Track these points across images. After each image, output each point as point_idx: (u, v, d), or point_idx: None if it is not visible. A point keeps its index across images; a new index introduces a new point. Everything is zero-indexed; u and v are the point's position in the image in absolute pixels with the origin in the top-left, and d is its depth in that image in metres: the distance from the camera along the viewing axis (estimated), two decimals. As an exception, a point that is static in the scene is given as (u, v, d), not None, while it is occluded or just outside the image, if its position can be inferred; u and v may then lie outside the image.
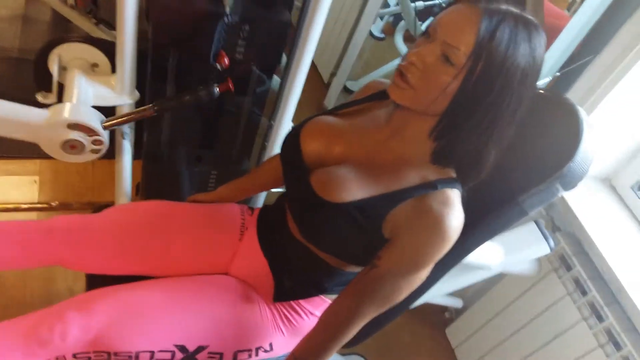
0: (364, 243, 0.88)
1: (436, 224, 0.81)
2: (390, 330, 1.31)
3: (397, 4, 2.68)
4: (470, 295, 1.86)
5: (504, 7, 0.76)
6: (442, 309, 1.98)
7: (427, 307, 1.95)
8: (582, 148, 0.93)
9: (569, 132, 0.95)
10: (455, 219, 0.82)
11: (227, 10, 1.22)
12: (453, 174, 0.88)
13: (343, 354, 1.70)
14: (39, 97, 1.47)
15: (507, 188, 0.99)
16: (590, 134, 0.95)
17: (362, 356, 1.72)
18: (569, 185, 0.96)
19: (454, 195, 0.84)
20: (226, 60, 1.28)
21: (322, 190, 0.88)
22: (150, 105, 1.29)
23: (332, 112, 1.02)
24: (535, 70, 0.78)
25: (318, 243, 0.94)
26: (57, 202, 1.82)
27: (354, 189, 0.86)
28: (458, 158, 0.85)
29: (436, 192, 0.83)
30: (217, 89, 1.27)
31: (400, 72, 0.80)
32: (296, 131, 0.99)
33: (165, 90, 1.40)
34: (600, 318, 1.38)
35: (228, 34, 1.27)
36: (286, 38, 1.34)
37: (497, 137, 0.82)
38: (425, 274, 0.86)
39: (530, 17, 0.78)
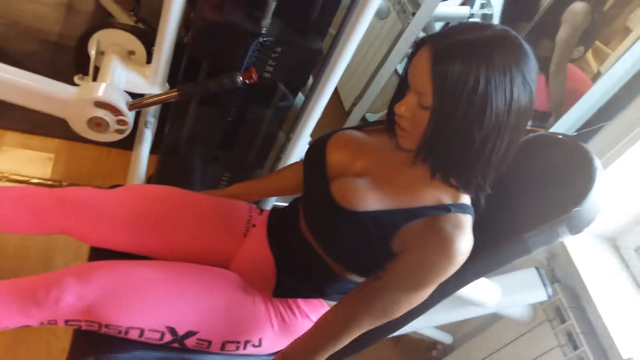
0: (372, 254, 0.90)
1: (445, 245, 0.83)
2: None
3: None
4: (461, 335, 1.85)
5: (459, 37, 0.78)
6: (430, 346, 1.96)
7: (415, 343, 1.94)
8: (592, 194, 0.94)
9: (582, 177, 0.97)
10: (464, 243, 0.84)
11: (263, 30, 1.28)
12: (467, 201, 0.90)
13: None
14: (76, 79, 1.51)
15: (513, 224, 1.00)
16: (602, 183, 0.96)
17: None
18: (575, 229, 0.97)
19: (466, 221, 0.86)
20: (254, 76, 1.33)
21: (340, 198, 0.91)
22: (175, 89, 1.32)
23: (360, 127, 1.06)
24: (506, 79, 0.76)
25: (327, 248, 0.96)
26: (67, 182, 1.85)
27: (370, 200, 0.89)
28: (447, 175, 0.86)
29: (449, 214, 0.86)
30: (240, 79, 1.30)
31: (398, 124, 0.87)
32: (323, 140, 1.03)
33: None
34: (588, 373, 1.37)
35: (260, 52, 1.32)
36: (315, 65, 1.39)
37: (481, 156, 0.81)
38: (425, 294, 0.87)
39: (494, 32, 0.78)
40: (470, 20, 2.56)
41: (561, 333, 1.44)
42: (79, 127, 1.32)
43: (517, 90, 0.78)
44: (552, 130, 1.70)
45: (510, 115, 0.78)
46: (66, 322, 0.93)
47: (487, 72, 0.75)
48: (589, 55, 1.69)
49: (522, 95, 0.78)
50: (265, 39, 1.29)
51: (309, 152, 1.06)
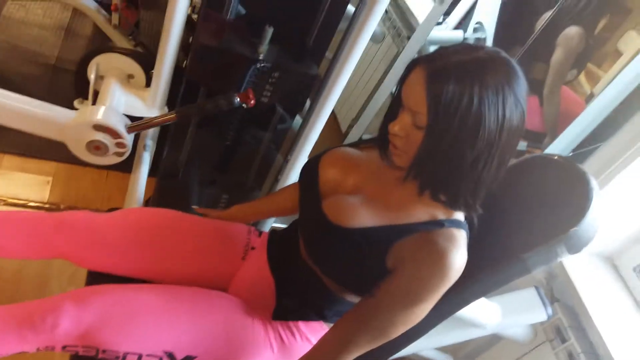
0: (367, 272, 0.89)
1: (439, 259, 0.82)
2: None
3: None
4: (461, 356, 1.83)
5: (452, 57, 0.79)
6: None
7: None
8: (589, 214, 0.95)
9: (579, 197, 0.97)
10: (458, 257, 0.83)
11: (261, 56, 1.29)
12: (461, 217, 0.90)
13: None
14: (76, 103, 1.53)
15: (512, 244, 1.00)
16: (599, 202, 0.97)
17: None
18: (573, 249, 0.97)
19: (460, 236, 0.86)
20: (251, 97, 1.34)
21: (332, 215, 0.91)
22: (172, 111, 1.33)
23: (354, 144, 1.06)
24: (498, 99, 0.77)
25: (323, 267, 0.96)
26: (65, 205, 1.84)
27: (363, 217, 0.89)
28: (436, 191, 0.86)
29: (443, 229, 0.86)
30: (238, 99, 1.31)
31: (392, 142, 0.87)
32: (317, 158, 1.03)
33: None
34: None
35: (258, 78, 1.34)
36: (311, 89, 1.41)
37: (471, 174, 0.81)
38: (421, 311, 0.86)
39: (486, 54, 0.79)
40: (464, 43, 2.59)
41: (562, 353, 1.43)
42: (78, 150, 1.32)
43: (509, 110, 0.78)
44: (547, 151, 1.71)
45: (502, 134, 0.79)
46: (63, 347, 0.92)
47: (480, 91, 0.76)
48: (582, 77, 1.71)
49: (514, 114, 0.79)
50: (262, 64, 1.31)
51: (303, 172, 1.06)
